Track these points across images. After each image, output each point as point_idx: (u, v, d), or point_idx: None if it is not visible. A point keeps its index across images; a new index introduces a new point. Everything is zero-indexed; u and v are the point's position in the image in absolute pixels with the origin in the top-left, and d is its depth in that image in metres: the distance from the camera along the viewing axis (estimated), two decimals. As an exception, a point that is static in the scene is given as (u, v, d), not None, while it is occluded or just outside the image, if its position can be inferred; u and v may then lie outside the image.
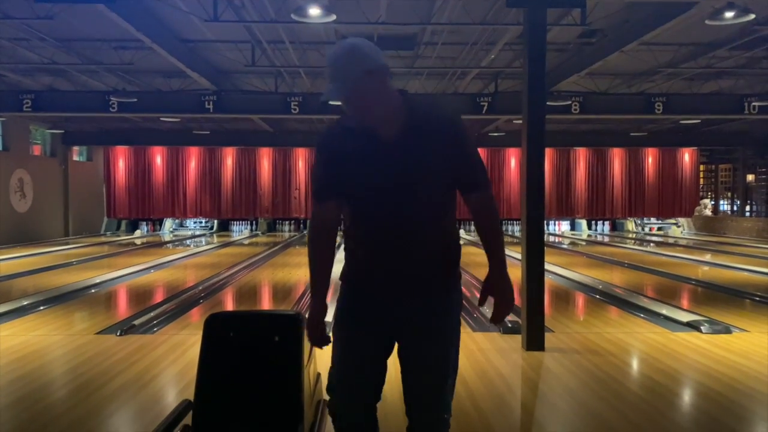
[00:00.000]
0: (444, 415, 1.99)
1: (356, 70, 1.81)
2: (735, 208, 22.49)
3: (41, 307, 6.71)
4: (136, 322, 5.79)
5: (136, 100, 12.20)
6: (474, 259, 11.86)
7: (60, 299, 7.18)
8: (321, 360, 3.23)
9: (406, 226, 1.88)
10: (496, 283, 1.99)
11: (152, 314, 6.20)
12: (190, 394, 2.40)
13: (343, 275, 2.02)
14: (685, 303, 7.33)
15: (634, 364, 4.70)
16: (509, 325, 5.49)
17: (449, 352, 2.00)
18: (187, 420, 2.36)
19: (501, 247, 2.04)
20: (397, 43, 10.06)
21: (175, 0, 7.98)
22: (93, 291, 8.02)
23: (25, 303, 6.81)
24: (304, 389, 2.35)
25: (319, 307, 2.01)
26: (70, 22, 8.89)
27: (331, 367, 2.06)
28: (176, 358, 4.58)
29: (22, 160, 16.22)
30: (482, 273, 8.07)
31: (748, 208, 21.83)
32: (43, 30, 9.36)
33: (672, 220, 21.38)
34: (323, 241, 1.98)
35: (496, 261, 2.00)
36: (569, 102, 12.35)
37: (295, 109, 12.39)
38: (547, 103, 11.60)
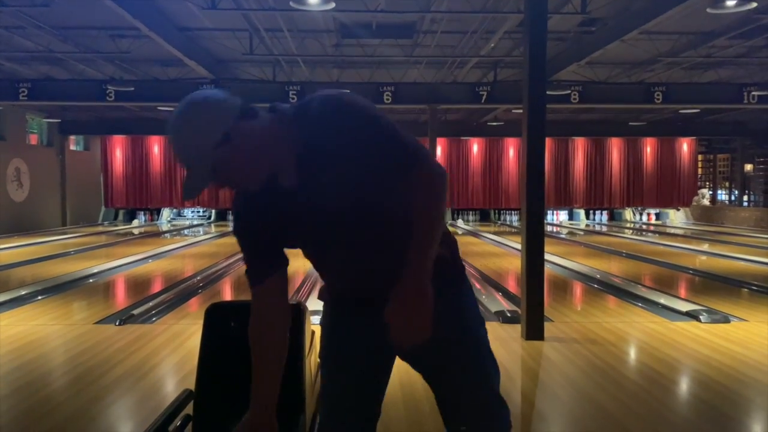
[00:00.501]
0: (502, 412, 1.67)
1: (204, 147, 1.37)
2: (733, 197, 22.52)
3: (39, 297, 6.69)
4: (135, 311, 5.77)
5: (133, 89, 12.14)
6: (472, 248, 11.90)
7: (58, 289, 7.17)
8: (321, 349, 3.22)
9: (372, 255, 1.53)
10: (398, 291, 1.41)
11: (151, 304, 6.19)
12: (190, 384, 2.39)
13: (322, 294, 1.74)
14: (683, 292, 7.34)
15: (633, 353, 4.71)
16: (508, 314, 5.50)
17: (472, 344, 1.66)
18: (188, 410, 2.35)
19: (427, 242, 1.45)
20: (396, 32, 10.00)
21: (172, -13, 7.92)
22: (91, 281, 8.00)
23: (23, 293, 6.79)
24: (306, 379, 2.35)
25: (261, 418, 1.62)
26: (67, 10, 8.82)
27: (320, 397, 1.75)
28: (176, 348, 4.58)
29: (19, 149, 16.15)
30: (480, 263, 8.11)
31: (746, 197, 21.85)
32: (40, 18, 9.29)
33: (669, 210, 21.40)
34: (268, 336, 1.63)
35: (413, 259, 1.43)
36: (569, 91, 12.32)
37: (293, 98, 12.32)
38: (547, 92, 11.57)
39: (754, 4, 6.82)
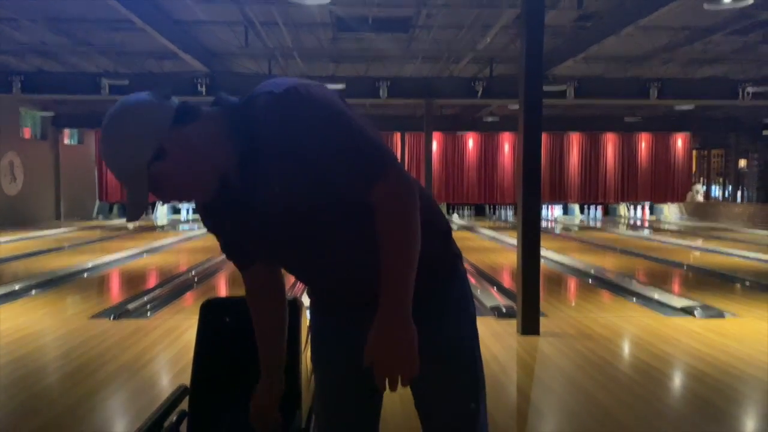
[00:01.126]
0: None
1: (136, 164, 1.22)
2: (727, 193, 22.61)
3: (33, 292, 6.66)
4: (130, 306, 5.75)
5: (127, 82, 12.07)
6: (468, 243, 11.91)
7: (52, 283, 7.13)
8: (317, 345, 3.22)
9: (332, 265, 1.39)
10: (376, 327, 1.27)
11: (146, 298, 6.16)
12: (185, 379, 2.38)
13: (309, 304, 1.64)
14: (677, 288, 7.37)
15: (628, 348, 4.73)
16: (504, 310, 5.50)
17: (461, 366, 1.47)
18: (184, 405, 2.34)
19: (399, 271, 1.27)
20: (392, 26, 9.97)
21: (166, -20, 7.86)
22: (85, 275, 7.97)
23: (17, 287, 6.75)
24: (302, 375, 2.34)
25: (265, 387, 1.63)
26: (61, 3, 8.76)
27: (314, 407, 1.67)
28: (171, 343, 4.57)
29: (12, 142, 16.05)
30: (475, 257, 8.11)
31: (739, 193, 21.95)
32: (33, 10, 9.21)
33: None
34: (261, 305, 1.61)
35: (386, 292, 1.27)
36: (565, 87, 12.31)
37: (288, 92, 12.29)
38: (543, 87, 11.56)
39: (751, 0, 6.82)
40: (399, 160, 1.34)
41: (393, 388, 1.28)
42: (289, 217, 1.32)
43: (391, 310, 1.26)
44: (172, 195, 1.30)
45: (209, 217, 1.48)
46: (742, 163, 21.88)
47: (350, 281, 1.40)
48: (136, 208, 1.25)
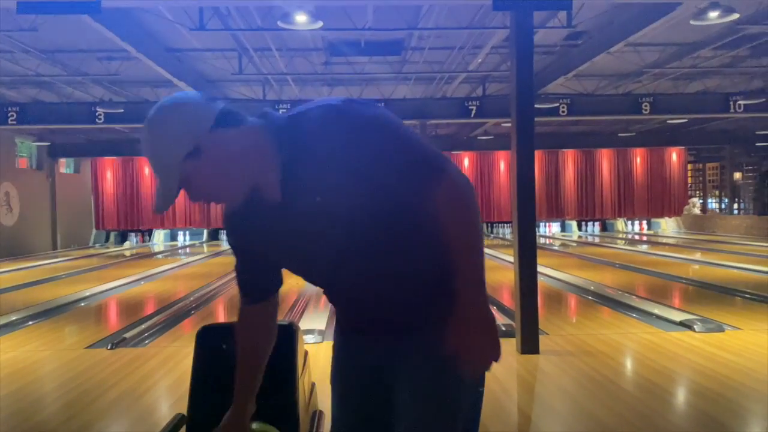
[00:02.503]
0: None
1: (171, 158, 1.25)
2: (723, 206, 22.69)
3: (30, 322, 6.62)
4: (127, 335, 5.72)
5: (122, 110, 12.13)
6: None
7: (49, 313, 7.09)
8: (315, 370, 3.20)
9: (372, 281, 1.36)
10: (458, 319, 1.27)
11: (143, 326, 6.13)
12: (183, 407, 2.36)
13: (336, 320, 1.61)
14: (677, 302, 7.36)
15: (629, 365, 4.70)
16: (503, 328, 5.48)
17: (449, 418, 1.36)
18: (181, 434, 2.32)
19: (473, 261, 1.29)
20: (384, 49, 10.06)
21: (160, 9, 7.94)
22: (83, 304, 7.93)
23: (14, 318, 6.71)
24: (300, 400, 2.32)
25: (239, 410, 1.60)
26: (55, 34, 8.83)
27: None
28: (169, 371, 4.53)
29: (8, 173, 16.06)
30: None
31: (736, 205, 22.02)
32: (27, 42, 9.29)
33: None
34: (253, 340, 1.62)
35: (465, 282, 1.28)
36: (557, 104, 12.40)
37: (283, 117, 12.36)
38: (535, 105, 11.65)
39: (737, 16, 6.91)
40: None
41: (485, 368, 1.29)
42: (329, 229, 1.32)
43: (470, 299, 1.27)
44: (200, 195, 1.32)
45: (238, 231, 1.47)
46: (738, 175, 21.99)
47: (384, 299, 1.37)
48: (165, 200, 1.28)
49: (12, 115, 11.87)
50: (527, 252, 4.94)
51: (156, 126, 1.27)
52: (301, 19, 6.86)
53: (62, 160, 19.17)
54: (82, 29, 8.08)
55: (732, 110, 12.59)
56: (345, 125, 1.27)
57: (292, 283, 6.94)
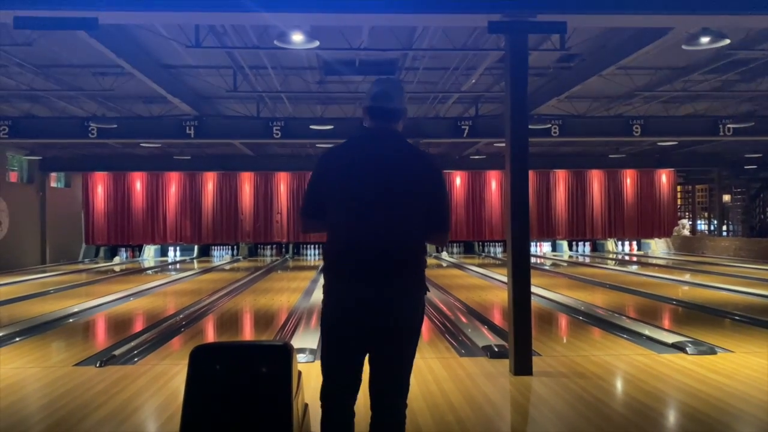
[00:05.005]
0: (404, 401, 2.42)
1: (405, 101, 2.54)
2: (712, 227, 22.86)
3: (17, 339, 6.53)
4: (116, 352, 5.65)
5: (115, 126, 12.10)
6: (457, 281, 11.87)
7: (36, 330, 7.00)
8: (308, 391, 3.17)
9: (382, 228, 2.33)
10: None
11: (132, 344, 6.06)
12: (173, 426, 2.33)
13: (324, 267, 2.41)
14: (668, 323, 7.37)
15: (622, 387, 4.69)
16: (496, 349, 5.46)
17: (414, 347, 2.43)
18: (172, 456, 2.29)
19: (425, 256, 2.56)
20: (379, 68, 10.12)
21: (156, 26, 7.96)
22: (71, 320, 7.84)
23: (0, 334, 6.62)
24: (294, 419, 2.29)
25: None
26: (50, 49, 8.83)
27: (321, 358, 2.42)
28: (159, 389, 4.47)
29: (-1, 187, 15.95)
30: (465, 295, 8.16)
31: (725, 227, 22.19)
32: (22, 56, 9.28)
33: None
34: (317, 228, 2.50)
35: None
36: (549, 125, 12.50)
37: (277, 134, 12.37)
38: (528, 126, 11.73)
39: (727, 41, 7.02)
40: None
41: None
42: (390, 192, 2.36)
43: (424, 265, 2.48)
44: (382, 120, 2.51)
45: (336, 154, 2.46)
46: (727, 197, 22.19)
47: (389, 241, 2.33)
48: (386, 103, 2.52)
49: (4, 129, 11.81)
50: (521, 274, 4.95)
51: (402, 89, 2.61)
52: (297, 38, 6.90)
53: (53, 175, 19.07)
54: (77, 44, 8.09)
55: (721, 133, 12.74)
56: (435, 164, 2.51)
57: (283, 301, 6.98)
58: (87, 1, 4.73)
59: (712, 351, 5.43)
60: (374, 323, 2.31)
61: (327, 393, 2.38)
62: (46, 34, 7.84)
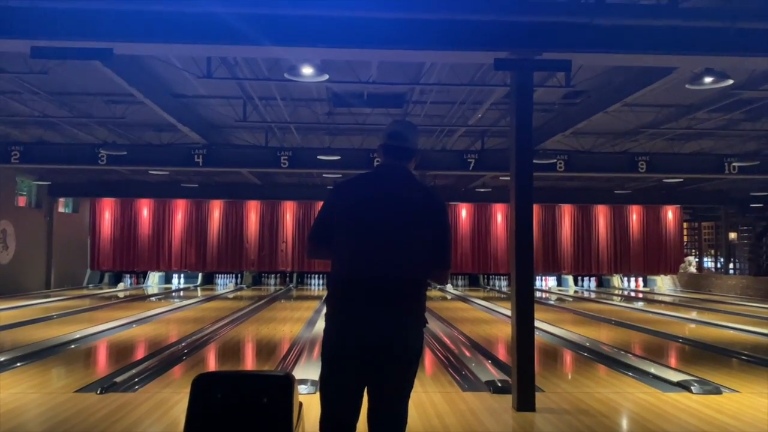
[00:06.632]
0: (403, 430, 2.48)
1: (418, 143, 2.69)
2: (719, 265, 22.72)
3: (18, 364, 6.51)
4: (118, 379, 5.63)
5: (125, 153, 12.25)
6: (462, 314, 11.81)
7: (38, 355, 6.99)
8: (309, 422, 3.15)
9: (395, 258, 2.43)
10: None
11: (134, 371, 6.04)
12: (173, 458, 2.32)
13: (327, 295, 2.52)
14: (673, 362, 7.29)
15: (626, 425, 4.63)
16: (499, 384, 5.42)
17: (413, 378, 2.49)
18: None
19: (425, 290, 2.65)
20: (387, 101, 10.27)
21: (169, 57, 8.13)
22: (73, 346, 7.82)
23: (1, 359, 6.61)
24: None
25: None
26: (63, 77, 9.00)
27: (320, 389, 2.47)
28: (159, 417, 4.45)
29: (7, 211, 16.08)
30: (469, 329, 8.10)
31: (732, 265, 22.06)
32: (37, 84, 9.46)
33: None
34: (323, 254, 2.57)
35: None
36: (554, 160, 12.58)
37: (285, 163, 12.50)
38: (533, 161, 11.81)
39: (731, 81, 7.11)
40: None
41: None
42: (395, 227, 2.45)
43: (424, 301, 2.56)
44: (395, 158, 2.63)
45: (348, 188, 2.56)
46: (733, 235, 22.11)
47: (391, 274, 2.41)
48: (401, 142, 2.66)
49: (15, 154, 11.98)
50: (525, 309, 4.94)
51: (417, 131, 2.78)
52: (307, 71, 7.03)
53: (61, 200, 19.23)
54: (90, 73, 8.25)
55: (727, 171, 12.77)
56: (440, 204, 2.58)
57: (285, 331, 6.97)
58: (103, 32, 4.86)
59: (717, 391, 5.37)
60: (373, 353, 2.36)
61: (326, 421, 2.40)
62: (62, 63, 8.00)
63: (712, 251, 23.71)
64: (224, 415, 2.26)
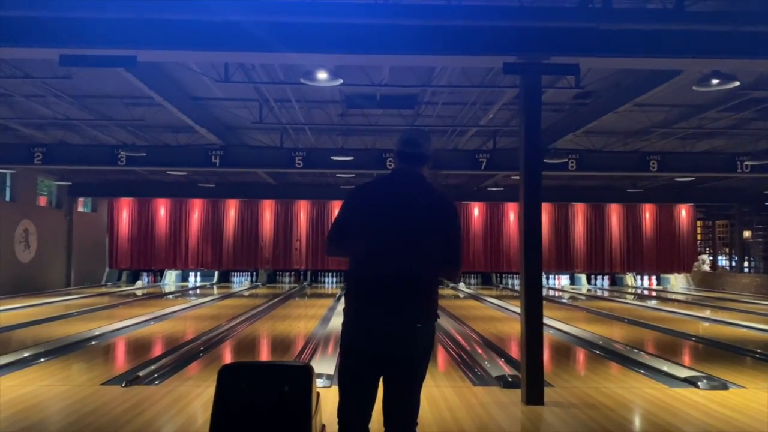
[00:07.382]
0: (415, 420, 2.64)
1: (431, 149, 2.85)
2: (733, 263, 22.62)
3: (42, 359, 6.75)
4: (141, 373, 5.85)
5: (144, 154, 12.51)
6: (474, 312, 11.94)
7: (61, 351, 7.23)
8: (325, 414, 3.33)
9: (400, 258, 2.58)
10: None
11: (154, 366, 6.25)
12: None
13: (345, 291, 2.70)
14: (683, 359, 7.38)
15: (632, 419, 4.76)
16: (509, 379, 5.57)
17: (424, 371, 2.65)
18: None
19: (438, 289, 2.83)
20: (399, 103, 10.42)
21: (188, 62, 8.35)
22: (93, 342, 8.06)
23: (26, 354, 6.85)
24: (312, 436, 2.46)
25: None
26: (86, 81, 9.26)
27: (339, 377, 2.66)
28: (181, 409, 4.65)
29: (28, 210, 16.46)
30: (481, 327, 8.24)
31: (746, 263, 21.95)
32: (60, 87, 9.73)
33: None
34: (342, 252, 2.76)
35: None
36: (566, 159, 12.65)
37: (299, 164, 12.70)
38: (545, 160, 11.90)
39: (737, 83, 7.17)
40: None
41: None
42: (409, 228, 2.62)
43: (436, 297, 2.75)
44: (410, 165, 2.82)
45: (365, 191, 2.75)
46: (747, 233, 22.00)
47: (405, 272, 2.57)
48: (417, 149, 2.85)
49: (38, 156, 12.28)
50: (533, 305, 5.08)
51: (431, 140, 2.93)
52: (322, 76, 7.20)
53: (80, 199, 19.61)
54: (112, 77, 8.48)
55: (739, 170, 12.76)
56: (451, 206, 2.76)
57: (300, 328, 7.19)
58: (127, 40, 5.08)
59: (724, 386, 5.48)
60: (387, 346, 2.53)
61: (343, 409, 2.58)
62: (85, 68, 8.23)
63: (726, 249, 23.60)
64: (248, 403, 2.44)
